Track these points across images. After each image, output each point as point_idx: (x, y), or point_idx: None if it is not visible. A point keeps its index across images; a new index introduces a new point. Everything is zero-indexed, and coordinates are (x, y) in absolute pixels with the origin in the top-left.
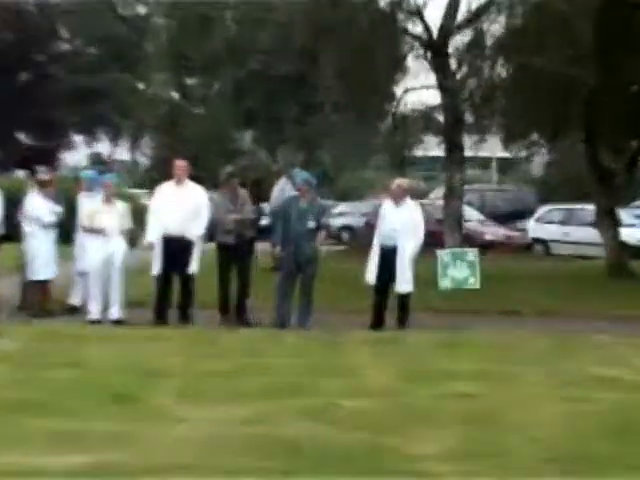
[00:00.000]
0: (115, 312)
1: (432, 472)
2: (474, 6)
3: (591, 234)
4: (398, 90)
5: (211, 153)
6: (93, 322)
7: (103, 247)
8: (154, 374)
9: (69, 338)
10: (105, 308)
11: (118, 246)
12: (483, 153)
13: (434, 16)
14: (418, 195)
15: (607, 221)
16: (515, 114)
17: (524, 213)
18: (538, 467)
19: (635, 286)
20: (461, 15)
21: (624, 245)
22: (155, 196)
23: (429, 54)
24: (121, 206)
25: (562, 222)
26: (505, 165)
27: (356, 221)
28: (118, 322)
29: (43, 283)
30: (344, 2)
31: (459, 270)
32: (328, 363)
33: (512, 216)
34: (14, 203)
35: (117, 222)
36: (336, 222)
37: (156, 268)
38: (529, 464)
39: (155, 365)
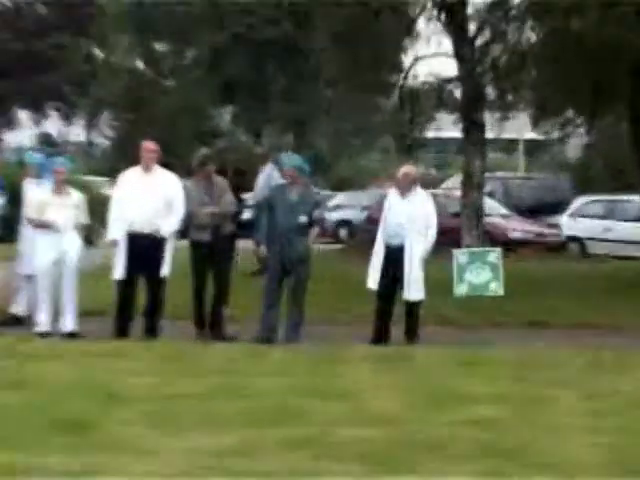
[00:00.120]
0: (68, 323)
1: None
2: None
3: (636, 231)
4: (406, 59)
5: (183, 134)
6: (42, 335)
7: (54, 245)
8: (115, 397)
9: (11, 354)
10: (56, 318)
11: (72, 244)
12: (508, 134)
13: None
14: (430, 184)
15: None
16: (547, 87)
17: (556, 206)
18: None
19: None
20: None
21: None
22: (118, 185)
23: (443, 16)
24: (76, 196)
25: (602, 216)
26: (534, 148)
27: (356, 215)
28: (72, 335)
29: None
30: None
31: (478, 274)
32: (321, 384)
33: (542, 209)
34: None
35: (71, 215)
36: (332, 216)
37: (119, 271)
38: None
39: (116, 386)
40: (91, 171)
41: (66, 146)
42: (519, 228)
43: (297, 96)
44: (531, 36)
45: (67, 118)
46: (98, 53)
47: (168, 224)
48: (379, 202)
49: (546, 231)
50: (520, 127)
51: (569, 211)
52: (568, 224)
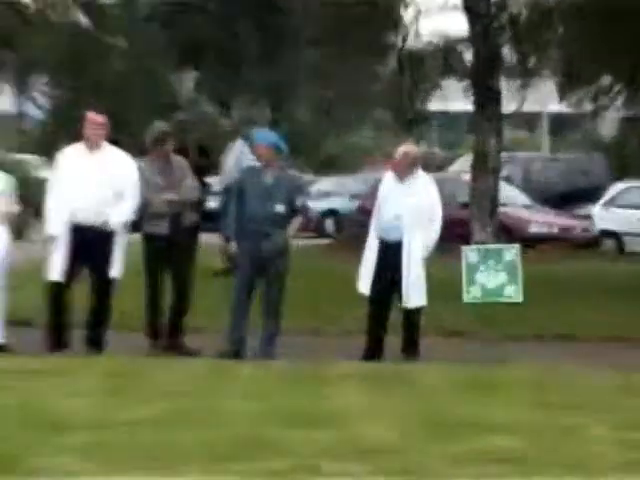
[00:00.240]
0: None
1: None
2: None
3: None
4: (406, 14)
5: (136, 104)
6: None
7: None
8: (48, 424)
9: None
10: None
11: None
12: (529, 107)
13: None
14: (434, 167)
15: None
16: (577, 48)
17: (588, 194)
18: None
19: None
20: None
21: None
22: (57, 166)
23: None
24: (1, 179)
25: None
26: (561, 124)
27: (344, 204)
28: None
29: None
30: None
31: (492, 276)
32: (301, 409)
33: (570, 198)
34: None
35: None
36: (316, 205)
37: (56, 271)
38: None
39: (50, 411)
40: (23, 148)
41: None
42: (542, 220)
43: (274, 60)
44: None
45: None
46: (28, 3)
47: (118, 214)
48: (372, 188)
49: (575, 224)
50: (544, 98)
51: (603, 200)
52: (602, 215)
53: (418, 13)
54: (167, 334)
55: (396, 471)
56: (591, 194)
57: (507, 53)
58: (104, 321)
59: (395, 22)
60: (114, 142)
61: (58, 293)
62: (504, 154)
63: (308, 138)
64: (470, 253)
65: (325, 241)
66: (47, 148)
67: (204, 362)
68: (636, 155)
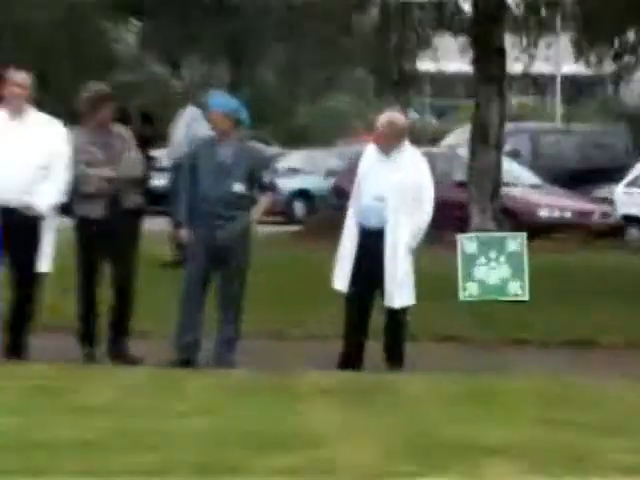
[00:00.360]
0: None
1: None
2: None
3: None
4: None
5: (66, 61)
6: None
7: None
8: None
9: None
10: None
11: None
12: (539, 67)
13: None
14: (425, 139)
15: None
16: None
17: (608, 172)
18: None
19: None
20: None
21: None
22: None
23: None
24: None
25: None
26: (577, 89)
27: (317, 183)
28: None
29: None
30: None
31: (493, 270)
32: (264, 428)
33: (587, 177)
34: None
35: None
36: (284, 185)
37: None
38: None
39: None
40: None
41: None
42: (553, 204)
43: (233, 9)
44: None
45: None
46: None
47: (45, 194)
48: (351, 164)
49: (592, 208)
50: (557, 57)
51: (626, 180)
52: (625, 199)
53: None
54: (109, 339)
55: None
56: (612, 173)
57: (513, 2)
58: (27, 323)
59: None
60: (40, 106)
61: None
62: (508, 124)
63: (274, 104)
64: (467, 242)
65: (294, 227)
66: None
67: (148, 372)
68: None
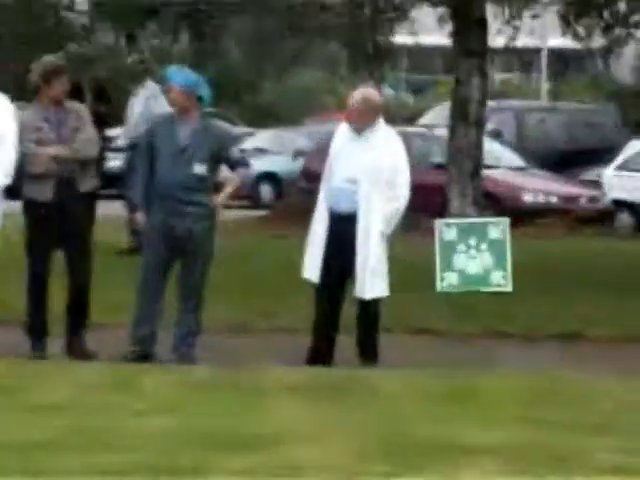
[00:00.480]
0: None
1: None
2: None
3: None
4: None
5: (13, 30)
6: None
7: None
8: None
9: None
10: None
11: None
12: (524, 41)
13: None
14: (401, 118)
15: None
16: None
17: (597, 154)
18: None
19: None
20: None
21: None
22: None
23: None
24: None
25: None
26: (564, 64)
27: (285, 165)
28: None
29: None
30: None
31: (474, 258)
32: (227, 427)
33: (575, 159)
34: None
35: None
36: (250, 167)
37: None
38: None
39: None
40: None
41: None
42: (538, 188)
43: None
44: None
45: None
46: None
47: None
48: (321, 144)
49: (580, 192)
50: (543, 30)
51: (617, 162)
52: (614, 182)
53: None
54: (66, 332)
55: None
56: (601, 154)
57: None
58: None
59: None
60: None
61: None
62: (490, 102)
63: (239, 80)
64: (446, 229)
65: (261, 212)
66: None
67: (104, 368)
68: None
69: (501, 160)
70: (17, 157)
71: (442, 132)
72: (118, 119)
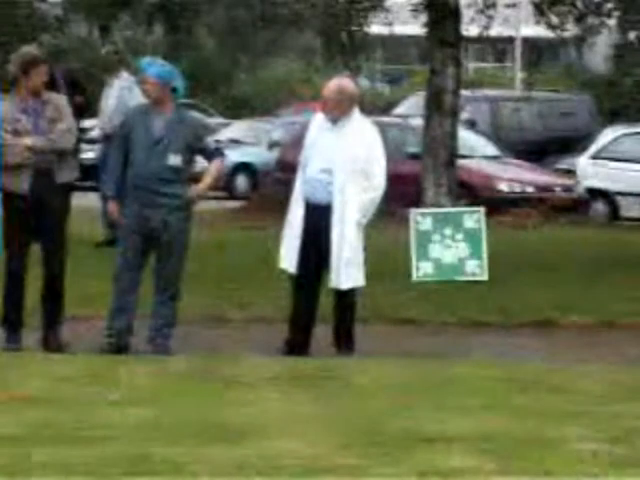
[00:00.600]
0: None
1: None
2: None
3: None
4: None
5: None
6: None
7: None
8: None
9: None
10: None
11: None
12: (498, 30)
13: None
14: (377, 108)
15: None
16: None
17: (572, 142)
18: None
19: None
20: None
21: None
22: None
23: None
24: None
25: None
26: (538, 53)
27: (261, 156)
28: None
29: None
30: None
31: (449, 248)
32: (202, 418)
33: (549, 148)
34: None
35: None
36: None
37: None
38: None
39: None
40: None
41: None
42: (513, 177)
43: None
44: None
45: None
46: None
47: None
48: (297, 135)
49: (555, 182)
50: (517, 19)
51: (591, 150)
52: (589, 171)
53: None
54: (42, 324)
55: None
56: (575, 143)
57: None
58: None
59: None
60: None
61: None
62: (465, 91)
63: (214, 71)
64: (421, 218)
65: (236, 203)
66: None
67: (79, 360)
68: (632, 93)
69: (476, 149)
70: None
71: (417, 122)
72: (93, 110)
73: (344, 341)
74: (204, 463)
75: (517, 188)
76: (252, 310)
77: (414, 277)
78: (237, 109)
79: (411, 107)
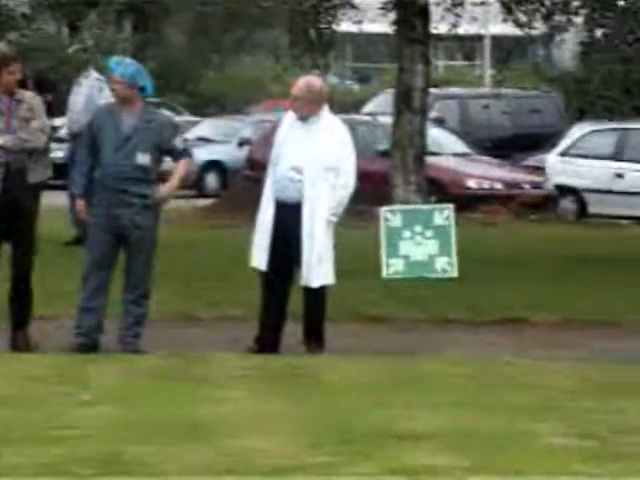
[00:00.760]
0: None
1: None
2: None
3: None
4: None
5: None
6: None
7: None
8: None
9: None
10: None
11: None
12: (466, 28)
13: None
14: (346, 106)
15: None
16: None
17: (540, 139)
18: None
19: None
20: None
21: None
22: None
23: None
24: None
25: (611, 156)
26: (506, 50)
27: (230, 154)
28: None
29: None
30: None
31: (419, 245)
32: (176, 416)
33: (518, 145)
34: None
35: None
36: (195, 156)
37: None
38: None
39: None
40: None
41: None
42: (482, 174)
43: None
44: None
45: None
46: None
47: None
48: (266, 133)
49: (523, 179)
50: (485, 17)
51: (560, 147)
52: (558, 168)
53: None
54: (10, 326)
55: None
56: (544, 140)
57: None
58: None
59: None
60: None
61: None
62: (434, 90)
63: (183, 69)
64: (390, 216)
65: (206, 201)
66: None
67: (48, 359)
68: (600, 90)
69: (445, 147)
70: None
71: (387, 120)
72: (61, 109)
73: (314, 339)
74: (174, 462)
75: (486, 185)
76: (222, 309)
77: (384, 274)
78: (207, 107)
79: (380, 105)
